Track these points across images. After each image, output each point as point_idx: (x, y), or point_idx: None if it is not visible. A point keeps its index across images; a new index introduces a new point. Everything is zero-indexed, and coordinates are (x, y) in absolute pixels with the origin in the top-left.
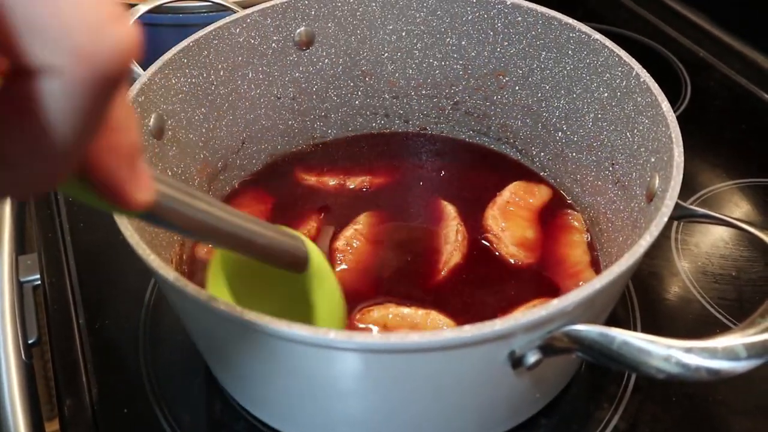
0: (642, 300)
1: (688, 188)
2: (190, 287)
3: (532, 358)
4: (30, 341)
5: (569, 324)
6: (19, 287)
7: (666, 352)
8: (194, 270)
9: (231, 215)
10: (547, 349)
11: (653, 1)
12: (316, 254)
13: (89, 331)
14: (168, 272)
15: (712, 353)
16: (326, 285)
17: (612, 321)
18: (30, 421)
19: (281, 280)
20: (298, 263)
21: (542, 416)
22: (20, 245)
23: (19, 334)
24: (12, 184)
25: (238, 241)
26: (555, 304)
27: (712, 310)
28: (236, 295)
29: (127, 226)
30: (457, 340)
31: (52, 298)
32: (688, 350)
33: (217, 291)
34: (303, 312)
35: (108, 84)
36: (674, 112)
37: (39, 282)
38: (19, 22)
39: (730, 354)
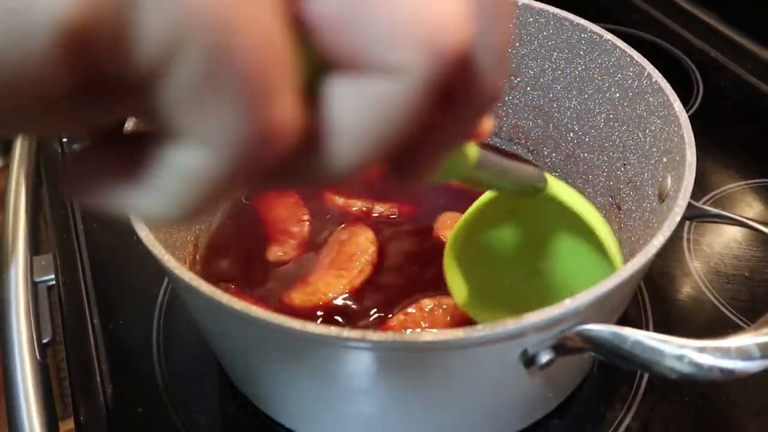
0: (654, 300)
1: (700, 188)
2: (204, 286)
3: (544, 357)
4: (44, 341)
5: (581, 324)
6: (34, 288)
7: (679, 352)
8: (207, 270)
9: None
10: (560, 348)
11: (664, 2)
12: (548, 176)
13: (103, 331)
14: (182, 272)
15: (726, 353)
16: (568, 194)
17: (624, 321)
18: (45, 420)
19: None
20: (541, 185)
21: (554, 417)
22: (35, 246)
23: (34, 334)
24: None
25: (508, 182)
26: (567, 304)
27: (724, 310)
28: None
29: (142, 226)
30: (470, 340)
31: (67, 298)
32: (702, 350)
33: (455, 280)
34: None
35: (450, 75)
36: (686, 112)
37: (53, 282)
38: (351, 21)
39: (744, 354)
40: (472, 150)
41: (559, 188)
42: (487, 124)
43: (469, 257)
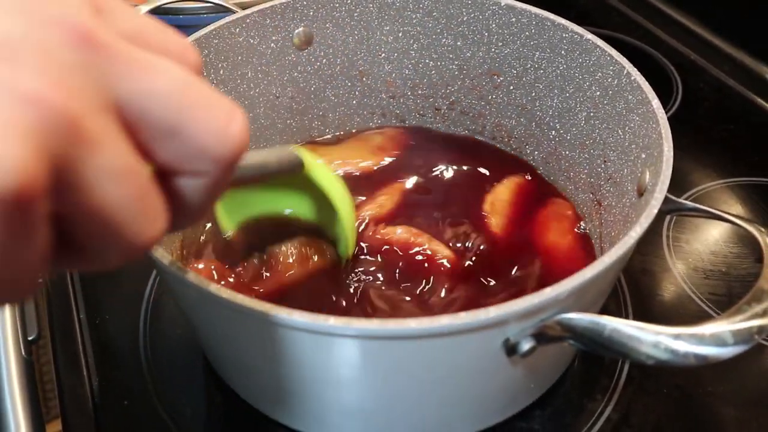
0: (634, 295)
1: (679, 187)
2: (191, 275)
3: (526, 345)
4: (30, 338)
5: (562, 312)
6: None
7: (655, 339)
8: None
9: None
10: (541, 336)
11: (645, 5)
12: (305, 154)
13: (90, 325)
14: (170, 262)
15: (700, 339)
16: (321, 173)
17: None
18: (30, 416)
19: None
20: (296, 168)
21: (536, 407)
22: None
23: (19, 331)
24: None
25: (250, 178)
26: (548, 293)
27: (702, 305)
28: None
29: None
30: (452, 327)
31: (54, 293)
32: (677, 337)
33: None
34: (316, 206)
35: (234, 166)
36: (666, 113)
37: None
38: (169, 151)
39: (718, 340)
40: None
41: (315, 170)
42: None
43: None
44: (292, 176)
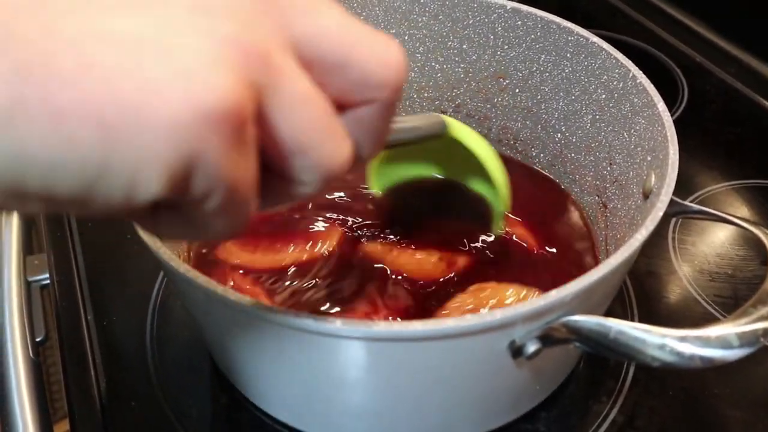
0: (639, 298)
1: (685, 189)
2: (201, 278)
3: (531, 347)
4: (38, 339)
5: (567, 315)
6: (27, 287)
7: (661, 341)
8: (200, 265)
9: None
10: (546, 338)
11: (650, 7)
12: (447, 119)
13: (97, 328)
14: (178, 264)
15: (706, 342)
16: (464, 132)
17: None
18: (38, 417)
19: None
20: (440, 132)
21: (542, 410)
22: (28, 246)
23: (27, 333)
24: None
25: (403, 140)
26: (553, 295)
27: (708, 307)
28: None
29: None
30: (458, 329)
31: (61, 295)
32: (683, 339)
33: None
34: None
35: (400, 92)
36: (672, 115)
37: (47, 281)
38: (341, 83)
39: (723, 342)
40: None
41: (463, 134)
42: None
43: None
44: (437, 139)
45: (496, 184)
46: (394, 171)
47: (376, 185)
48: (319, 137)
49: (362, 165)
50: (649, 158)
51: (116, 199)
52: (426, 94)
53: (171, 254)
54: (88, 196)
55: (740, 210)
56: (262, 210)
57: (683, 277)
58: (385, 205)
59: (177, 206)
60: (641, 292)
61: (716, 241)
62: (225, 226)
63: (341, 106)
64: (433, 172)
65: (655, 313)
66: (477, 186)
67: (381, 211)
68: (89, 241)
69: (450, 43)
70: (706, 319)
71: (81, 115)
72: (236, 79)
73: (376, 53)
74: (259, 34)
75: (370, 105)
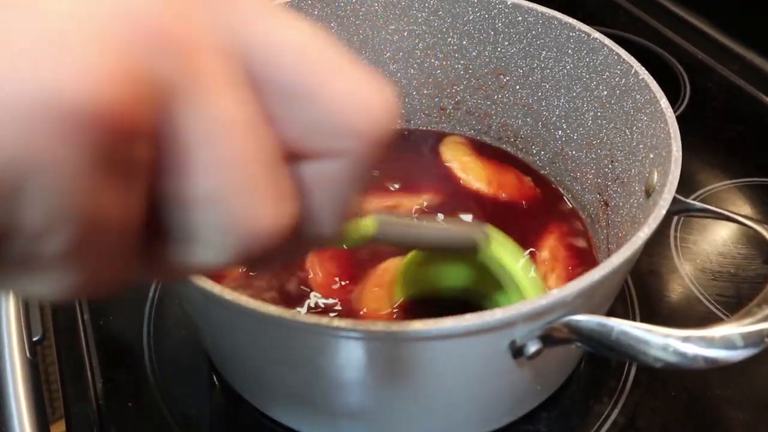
0: (641, 297)
1: (687, 187)
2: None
3: (532, 347)
4: (35, 339)
5: (569, 314)
6: None
7: (664, 341)
8: None
9: (422, 226)
10: (548, 338)
11: (652, 4)
12: (489, 234)
13: (94, 327)
14: None
15: (709, 342)
16: (509, 259)
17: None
18: (35, 417)
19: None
20: (472, 247)
21: (542, 410)
22: None
23: (24, 332)
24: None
25: (432, 245)
26: (554, 294)
27: (710, 306)
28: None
29: None
30: (458, 329)
31: None
32: (686, 339)
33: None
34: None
35: (381, 148)
36: (674, 113)
37: None
38: (299, 120)
39: (727, 343)
40: (369, 222)
41: (499, 251)
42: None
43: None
44: (471, 255)
45: None
46: (422, 280)
47: (398, 292)
48: (240, 184)
49: (316, 241)
50: (651, 156)
51: None
52: (425, 91)
53: None
54: None
55: (743, 208)
56: (148, 279)
57: (685, 275)
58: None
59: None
60: (643, 291)
61: (718, 239)
62: (81, 281)
63: (295, 156)
64: (464, 284)
65: (656, 312)
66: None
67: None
68: None
69: (450, 39)
70: (709, 319)
71: None
72: (122, 66)
73: (356, 89)
74: (185, 20)
75: (335, 159)
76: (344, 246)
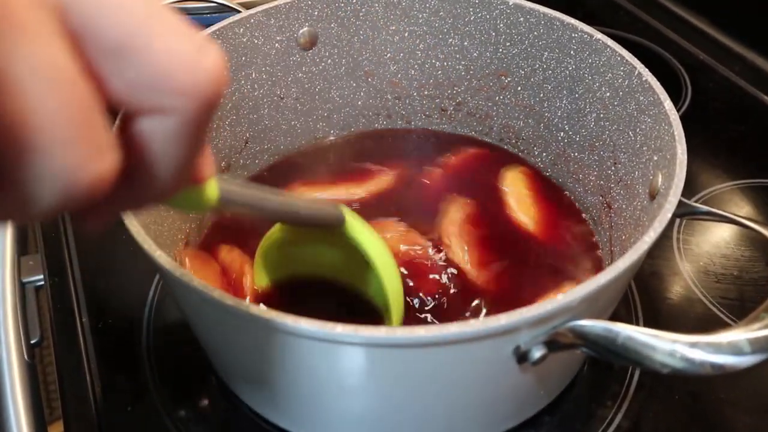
0: (644, 300)
1: (689, 189)
2: (196, 281)
3: (537, 353)
4: (32, 342)
5: (574, 319)
6: (22, 288)
7: (671, 347)
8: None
9: (278, 197)
10: (552, 344)
11: (653, 5)
12: (347, 211)
13: (92, 330)
14: (174, 267)
15: (717, 348)
16: (363, 234)
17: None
18: (32, 420)
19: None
20: (335, 223)
21: (546, 414)
22: (23, 246)
23: (22, 335)
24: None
25: (289, 217)
26: (559, 299)
27: (714, 309)
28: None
29: (133, 223)
30: (462, 335)
31: (55, 297)
32: (693, 345)
33: (261, 277)
34: (356, 266)
35: (211, 109)
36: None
37: (41, 283)
38: (122, 76)
39: (735, 349)
40: (212, 187)
41: (357, 232)
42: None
43: (276, 258)
44: (331, 233)
45: (389, 300)
46: (283, 264)
47: (259, 277)
48: (63, 133)
49: (149, 196)
50: (655, 158)
51: None
52: (426, 92)
53: (166, 257)
54: None
55: (745, 210)
56: None
57: (688, 278)
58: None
59: None
60: (645, 294)
61: (721, 241)
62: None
63: (128, 112)
64: (328, 273)
65: (659, 314)
66: (373, 294)
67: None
68: (83, 242)
69: (451, 39)
70: (712, 322)
71: None
72: None
73: (180, 47)
74: None
75: (161, 117)
76: (184, 209)
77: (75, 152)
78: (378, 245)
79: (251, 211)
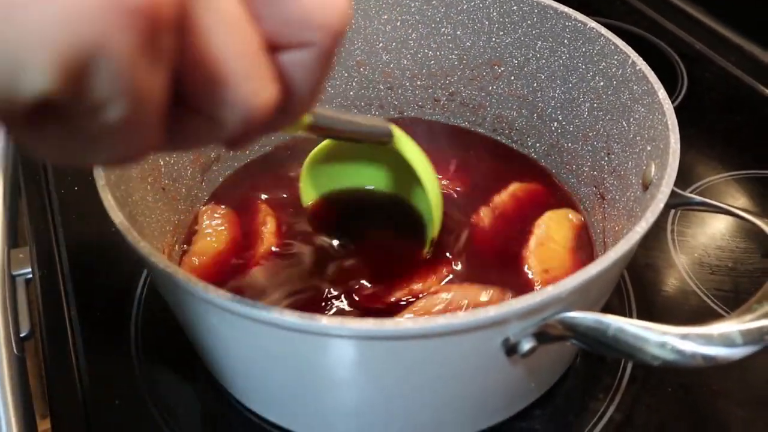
0: (638, 291)
1: (684, 180)
2: (181, 273)
3: (526, 345)
4: (22, 335)
5: (564, 311)
6: (12, 281)
7: (661, 339)
8: (186, 260)
9: (347, 116)
10: (542, 336)
11: None
12: (395, 129)
13: (81, 323)
14: (158, 259)
15: (708, 339)
16: (409, 147)
17: (607, 312)
18: (22, 414)
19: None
20: (386, 138)
21: (537, 407)
22: (13, 239)
23: (11, 328)
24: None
25: (354, 135)
26: (549, 291)
27: (708, 301)
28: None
29: (117, 214)
30: (450, 327)
31: (44, 290)
32: (684, 337)
33: (308, 193)
34: (396, 176)
35: (340, 40)
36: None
37: (31, 276)
38: (275, 18)
39: (726, 340)
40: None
41: (403, 145)
42: None
43: (319, 177)
44: (377, 147)
45: (431, 205)
46: (327, 178)
47: (307, 195)
48: (244, 69)
49: (290, 118)
50: (648, 148)
51: None
52: (419, 82)
53: (151, 248)
54: None
55: (741, 200)
56: (169, 149)
57: (682, 269)
58: (319, 215)
59: (67, 117)
60: (639, 286)
61: (716, 233)
62: (121, 147)
63: (273, 48)
64: (369, 184)
65: (653, 306)
66: (416, 201)
67: (315, 220)
68: (73, 235)
69: (443, 29)
70: (706, 314)
71: None
72: None
73: None
74: None
75: (305, 49)
76: (288, 130)
77: (252, 83)
78: (421, 158)
79: (326, 132)
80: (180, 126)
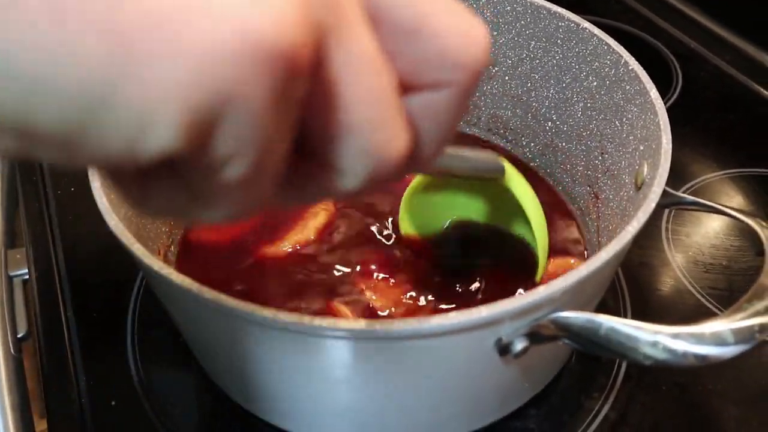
0: (632, 290)
1: (679, 178)
2: (175, 275)
3: (519, 345)
4: (19, 335)
5: (556, 311)
6: (9, 281)
7: (653, 338)
8: (182, 261)
9: (459, 153)
10: (535, 336)
11: None
12: (507, 165)
13: (77, 324)
14: (152, 261)
15: (700, 339)
16: (520, 185)
17: (602, 311)
18: (19, 414)
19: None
20: (498, 174)
21: (531, 407)
22: (10, 239)
23: (8, 329)
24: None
25: (466, 172)
26: (541, 291)
27: (703, 300)
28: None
29: (112, 216)
30: (442, 328)
31: (41, 291)
32: (675, 336)
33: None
34: (507, 212)
35: (479, 79)
36: (665, 103)
37: (27, 276)
38: (409, 56)
39: (718, 339)
40: None
41: (514, 182)
42: None
43: (419, 207)
44: (488, 182)
45: (538, 247)
46: (426, 210)
47: (404, 224)
48: (377, 116)
49: (417, 167)
50: (641, 147)
51: (114, 146)
52: None
53: (145, 251)
54: (78, 136)
55: (735, 199)
56: (282, 204)
57: (677, 268)
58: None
59: (183, 172)
60: (634, 284)
61: (711, 231)
62: (234, 204)
63: (404, 88)
64: (468, 215)
65: (648, 305)
66: (518, 230)
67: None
68: (69, 236)
69: None
70: (701, 312)
71: (91, 18)
72: (301, 12)
73: (459, 25)
74: None
75: (440, 90)
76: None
77: (385, 132)
78: (531, 195)
79: (440, 171)
80: (294, 178)
